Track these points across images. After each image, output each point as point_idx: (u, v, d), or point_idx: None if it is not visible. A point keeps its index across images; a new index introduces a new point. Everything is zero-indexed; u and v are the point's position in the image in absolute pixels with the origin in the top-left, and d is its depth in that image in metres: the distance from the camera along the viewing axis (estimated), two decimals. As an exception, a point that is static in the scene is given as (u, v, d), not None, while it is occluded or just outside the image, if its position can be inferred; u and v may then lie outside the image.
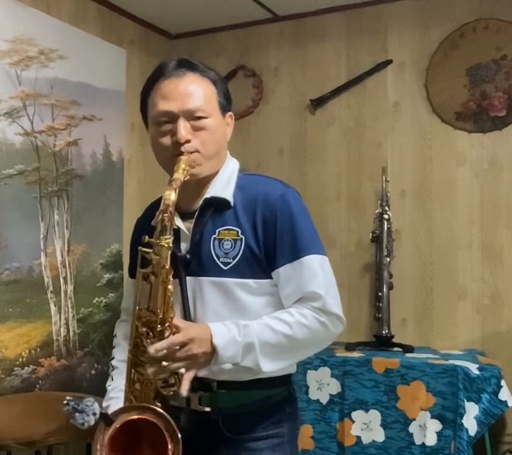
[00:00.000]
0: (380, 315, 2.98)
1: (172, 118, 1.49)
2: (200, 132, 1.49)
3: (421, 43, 3.19)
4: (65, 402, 1.58)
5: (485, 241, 3.05)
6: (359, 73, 3.29)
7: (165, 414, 1.35)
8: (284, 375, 1.55)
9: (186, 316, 1.49)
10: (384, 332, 2.96)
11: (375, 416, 2.64)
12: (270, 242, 1.48)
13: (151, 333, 1.38)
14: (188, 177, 1.45)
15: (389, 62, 3.25)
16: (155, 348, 1.33)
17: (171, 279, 1.40)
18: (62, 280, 2.88)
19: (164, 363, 1.34)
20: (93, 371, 2.98)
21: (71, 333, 2.92)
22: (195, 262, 1.48)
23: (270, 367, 1.43)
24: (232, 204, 1.51)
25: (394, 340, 2.96)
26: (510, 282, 3.00)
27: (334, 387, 2.72)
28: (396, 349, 2.90)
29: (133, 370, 1.44)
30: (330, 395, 2.73)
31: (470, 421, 2.51)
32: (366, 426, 2.65)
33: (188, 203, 1.52)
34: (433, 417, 2.54)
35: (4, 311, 2.63)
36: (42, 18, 2.84)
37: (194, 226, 1.51)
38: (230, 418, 1.49)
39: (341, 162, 3.34)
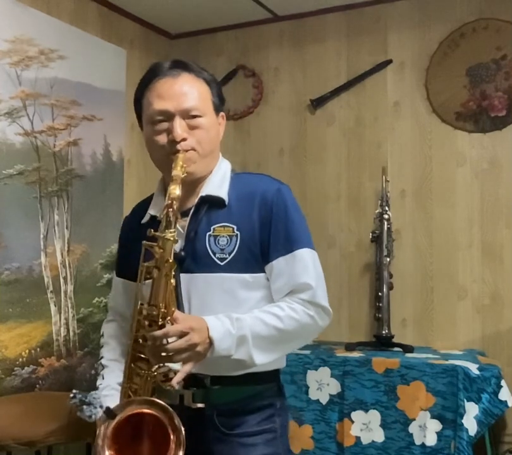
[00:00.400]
0: (380, 315, 2.98)
1: (168, 117, 1.52)
2: (195, 131, 1.52)
3: (421, 43, 3.19)
4: (71, 395, 1.58)
5: (485, 241, 3.05)
6: (359, 73, 3.29)
7: (168, 407, 1.36)
8: (274, 370, 1.59)
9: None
10: (383, 332, 2.95)
11: (374, 416, 2.64)
12: (266, 236, 1.52)
13: (153, 327, 1.40)
14: (185, 174, 1.47)
15: (389, 62, 3.25)
16: (155, 334, 1.35)
17: (173, 273, 1.42)
18: (62, 280, 2.89)
19: (165, 354, 1.35)
20: (93, 371, 2.98)
21: (71, 334, 2.92)
22: (189, 259, 1.49)
23: (262, 359, 1.47)
24: (226, 202, 1.54)
25: (394, 340, 2.96)
26: (510, 282, 3.00)
27: (334, 387, 2.72)
28: (396, 349, 2.90)
29: (132, 365, 1.45)
30: (330, 395, 2.73)
31: (470, 421, 2.51)
32: (366, 426, 2.65)
33: (182, 202, 1.53)
34: (433, 417, 2.54)
35: (4, 311, 2.63)
36: (42, 18, 2.84)
37: (189, 224, 1.53)
38: (224, 414, 1.51)
39: (341, 162, 3.34)
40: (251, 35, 3.55)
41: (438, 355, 2.79)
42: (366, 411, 2.65)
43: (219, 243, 1.51)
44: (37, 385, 2.72)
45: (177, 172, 1.45)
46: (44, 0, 2.89)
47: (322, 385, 2.75)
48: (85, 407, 1.53)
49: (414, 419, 2.58)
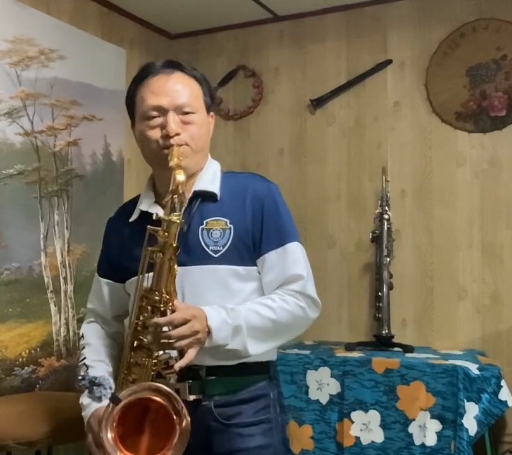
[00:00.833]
0: (380, 315, 2.98)
1: (162, 112, 1.56)
2: (188, 126, 1.57)
3: (421, 43, 3.19)
4: (80, 377, 1.57)
5: (485, 241, 3.05)
6: (359, 73, 3.29)
7: (173, 392, 1.37)
8: (267, 361, 1.62)
9: None
10: (383, 332, 2.95)
11: (374, 416, 2.64)
12: (257, 230, 1.57)
13: (155, 313, 1.42)
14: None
15: (389, 62, 3.25)
16: (159, 321, 1.38)
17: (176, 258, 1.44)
18: (62, 280, 2.89)
19: (167, 340, 1.38)
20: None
21: (71, 334, 2.92)
22: (182, 253, 1.50)
23: (255, 349, 1.51)
24: (218, 197, 1.59)
25: (394, 340, 2.96)
26: (510, 282, 3.00)
27: (334, 387, 2.72)
28: (396, 349, 2.90)
29: (132, 354, 1.47)
30: (330, 395, 2.73)
31: (470, 421, 2.50)
32: (366, 426, 2.65)
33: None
34: (433, 417, 2.54)
35: (4, 311, 2.63)
36: (42, 18, 2.84)
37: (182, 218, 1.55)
38: (221, 405, 1.54)
39: (341, 162, 3.34)
40: (251, 35, 3.55)
41: (438, 355, 2.79)
42: (366, 411, 2.65)
43: (212, 236, 1.55)
44: (37, 385, 2.72)
45: (175, 161, 1.48)
46: (44, 0, 2.89)
47: (321, 385, 2.75)
48: (95, 388, 1.52)
49: (414, 420, 2.57)
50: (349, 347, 2.90)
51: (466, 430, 2.48)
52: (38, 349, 2.75)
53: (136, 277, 1.49)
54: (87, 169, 3.06)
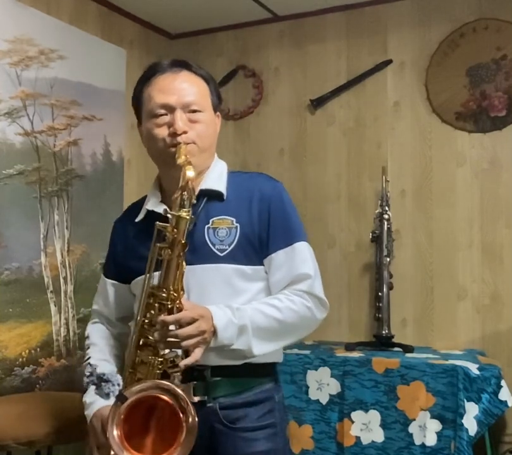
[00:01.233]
0: (380, 315, 2.98)
1: (169, 110, 1.55)
2: (195, 124, 1.56)
3: (421, 43, 3.19)
4: (87, 373, 1.55)
5: (485, 241, 3.05)
6: (359, 73, 3.29)
7: (179, 390, 1.36)
8: (271, 363, 1.61)
9: None
10: (383, 332, 2.95)
11: (374, 416, 2.64)
12: (264, 229, 1.56)
13: (162, 311, 1.41)
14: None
15: (389, 62, 3.25)
16: (166, 319, 1.38)
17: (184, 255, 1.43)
18: (62, 280, 2.89)
19: (174, 339, 1.37)
20: (93, 371, 2.98)
21: (71, 334, 2.92)
22: (188, 251, 1.49)
23: (260, 350, 1.49)
24: (225, 196, 1.58)
25: (394, 340, 2.96)
26: (510, 282, 3.00)
27: (334, 387, 2.72)
28: (396, 349, 2.90)
29: (137, 351, 1.46)
30: (330, 395, 2.73)
31: (470, 421, 2.50)
32: (366, 426, 2.65)
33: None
34: (433, 417, 2.54)
35: (4, 311, 2.63)
36: (42, 18, 2.84)
37: None
38: (226, 407, 1.53)
39: (341, 162, 3.34)
40: (251, 35, 3.55)
41: (438, 355, 2.79)
42: (366, 411, 2.65)
43: (218, 235, 1.54)
44: (37, 385, 2.72)
45: (183, 159, 1.47)
46: (44, 0, 2.89)
47: (322, 385, 2.75)
48: (103, 384, 1.51)
49: (414, 420, 2.57)
50: (349, 347, 2.90)
51: (466, 430, 2.48)
52: (38, 349, 2.75)
53: (141, 277, 1.48)
54: (87, 169, 3.06)
